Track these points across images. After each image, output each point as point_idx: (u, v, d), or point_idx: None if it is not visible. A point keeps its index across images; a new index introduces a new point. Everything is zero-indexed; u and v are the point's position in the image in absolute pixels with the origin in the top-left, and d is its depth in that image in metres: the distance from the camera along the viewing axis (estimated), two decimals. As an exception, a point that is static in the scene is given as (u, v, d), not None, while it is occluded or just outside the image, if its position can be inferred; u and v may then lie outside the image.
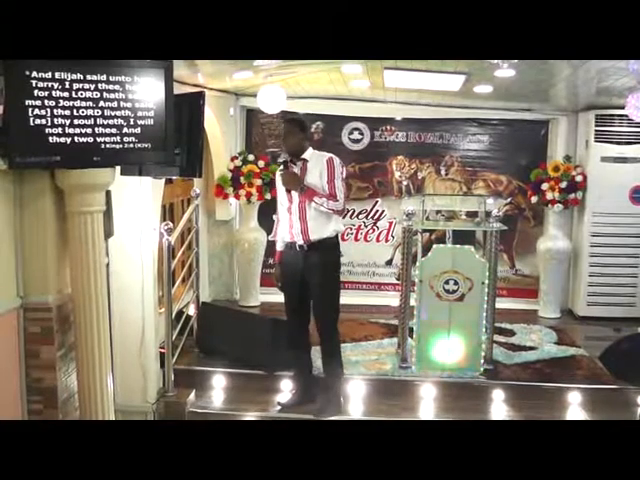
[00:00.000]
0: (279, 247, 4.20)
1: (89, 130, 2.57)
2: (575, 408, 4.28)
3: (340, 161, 4.03)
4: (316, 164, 3.97)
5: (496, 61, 3.82)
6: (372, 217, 6.50)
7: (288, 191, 3.99)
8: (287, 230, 4.05)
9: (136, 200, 3.85)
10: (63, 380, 2.93)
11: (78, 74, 2.50)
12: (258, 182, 5.93)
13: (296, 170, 3.99)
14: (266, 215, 6.35)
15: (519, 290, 6.49)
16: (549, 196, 5.91)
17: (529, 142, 6.33)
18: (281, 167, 4.00)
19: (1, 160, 2.51)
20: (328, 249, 4.00)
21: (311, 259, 3.97)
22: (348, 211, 6.37)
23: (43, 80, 2.42)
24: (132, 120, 2.70)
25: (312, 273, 3.98)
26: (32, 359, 2.86)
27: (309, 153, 4.03)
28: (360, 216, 6.49)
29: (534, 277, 6.41)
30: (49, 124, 2.46)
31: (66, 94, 2.49)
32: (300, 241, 3.98)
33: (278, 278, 4.23)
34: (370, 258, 6.53)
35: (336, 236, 4.05)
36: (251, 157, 6.05)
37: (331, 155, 4.02)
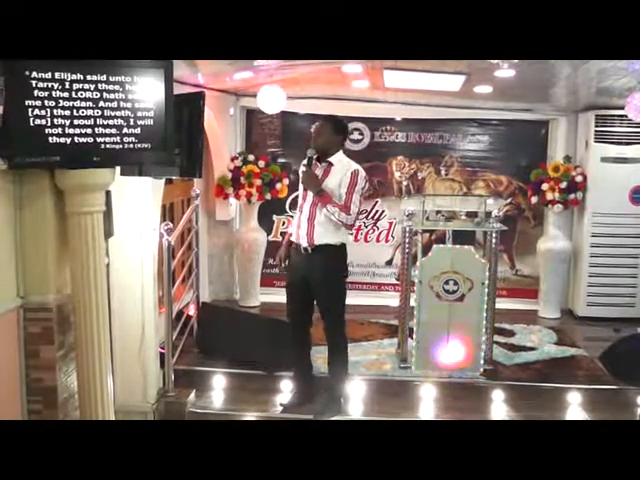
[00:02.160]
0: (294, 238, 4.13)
1: (89, 130, 2.57)
2: (575, 408, 4.28)
3: (365, 175, 3.94)
4: (339, 171, 3.88)
5: (496, 61, 3.82)
6: (372, 217, 6.50)
7: (304, 189, 3.96)
8: (295, 229, 4.02)
9: (136, 200, 3.85)
10: (63, 380, 2.93)
11: (78, 74, 2.50)
12: (258, 182, 5.93)
13: (319, 171, 3.94)
14: (266, 215, 6.38)
15: (519, 290, 6.49)
16: (549, 196, 5.92)
17: (529, 142, 6.33)
18: (305, 163, 3.91)
19: (1, 160, 2.51)
20: (332, 254, 3.94)
21: (314, 263, 3.93)
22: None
23: (43, 80, 2.42)
24: (132, 120, 2.70)
25: (315, 277, 3.95)
26: (32, 359, 2.85)
27: (337, 157, 3.94)
28: (360, 216, 6.46)
29: (534, 277, 6.41)
30: (49, 124, 2.46)
31: (66, 94, 2.48)
32: (304, 244, 3.95)
33: (282, 258, 4.16)
34: (370, 258, 6.53)
35: (342, 244, 3.98)
36: (251, 157, 6.05)
37: (358, 167, 3.92)
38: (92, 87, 2.55)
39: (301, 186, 4.01)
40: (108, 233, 3.14)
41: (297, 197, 4.20)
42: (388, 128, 6.44)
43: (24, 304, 2.83)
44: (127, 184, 3.57)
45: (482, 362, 4.54)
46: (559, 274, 6.11)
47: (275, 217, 6.50)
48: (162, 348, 4.25)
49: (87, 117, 2.56)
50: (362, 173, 3.91)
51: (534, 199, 6.08)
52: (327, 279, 3.95)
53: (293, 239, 4.06)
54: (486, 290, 4.46)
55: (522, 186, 6.32)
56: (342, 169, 3.89)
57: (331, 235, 3.90)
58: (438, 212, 5.15)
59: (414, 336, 4.54)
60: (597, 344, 5.12)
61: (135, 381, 4.04)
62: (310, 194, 3.91)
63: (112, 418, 3.04)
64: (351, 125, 6.41)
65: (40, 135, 2.44)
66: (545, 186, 5.93)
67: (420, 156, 6.43)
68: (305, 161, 3.93)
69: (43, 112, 2.44)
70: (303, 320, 4.15)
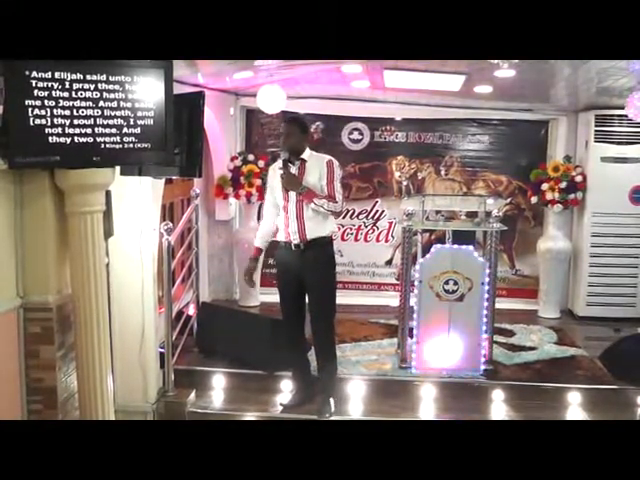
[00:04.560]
0: (258, 243, 4.20)
1: (89, 130, 2.57)
2: (575, 408, 4.28)
3: (338, 164, 4.06)
4: (315, 165, 3.98)
5: (496, 61, 3.82)
6: (372, 217, 6.50)
7: (286, 190, 3.99)
8: (282, 229, 4.05)
9: (136, 200, 3.85)
10: (63, 380, 2.93)
11: (78, 74, 2.50)
12: (258, 182, 5.92)
13: (294, 170, 3.99)
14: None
15: (519, 290, 6.49)
16: (549, 196, 5.91)
17: (529, 142, 6.33)
18: (280, 166, 3.99)
19: (1, 160, 2.51)
20: (323, 247, 4.02)
21: (308, 258, 3.98)
22: (348, 211, 6.38)
23: (43, 80, 2.42)
24: (132, 120, 2.70)
25: (309, 272, 3.99)
26: (32, 359, 2.86)
27: (307, 154, 4.04)
28: (360, 216, 6.49)
29: (534, 277, 6.41)
30: (49, 124, 2.46)
31: (66, 94, 2.49)
32: (296, 240, 3.98)
33: (250, 272, 4.25)
34: (370, 258, 6.52)
35: (330, 236, 4.08)
36: (251, 157, 6.05)
37: (330, 157, 4.05)
38: (92, 87, 2.55)
39: (278, 188, 4.03)
40: (108, 233, 3.14)
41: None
42: (388, 128, 6.43)
43: (24, 304, 2.83)
44: (127, 184, 3.57)
45: (482, 362, 4.54)
46: (559, 274, 6.11)
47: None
48: (162, 348, 4.25)
49: (87, 117, 2.56)
50: (336, 162, 4.04)
51: (534, 199, 6.08)
52: (322, 271, 4.01)
53: (281, 239, 4.07)
54: (486, 290, 4.46)
55: (522, 186, 6.32)
56: (317, 163, 3.99)
57: (321, 228, 3.98)
58: (438, 212, 5.15)
59: (414, 336, 4.54)
60: (597, 344, 5.13)
61: (135, 381, 4.04)
62: (292, 194, 3.96)
63: (112, 418, 3.04)
64: (351, 125, 6.43)
65: (40, 135, 2.44)
66: (545, 186, 5.93)
67: (420, 156, 6.43)
68: (280, 164, 4.00)
69: (43, 112, 2.44)
70: (298, 318, 4.18)
